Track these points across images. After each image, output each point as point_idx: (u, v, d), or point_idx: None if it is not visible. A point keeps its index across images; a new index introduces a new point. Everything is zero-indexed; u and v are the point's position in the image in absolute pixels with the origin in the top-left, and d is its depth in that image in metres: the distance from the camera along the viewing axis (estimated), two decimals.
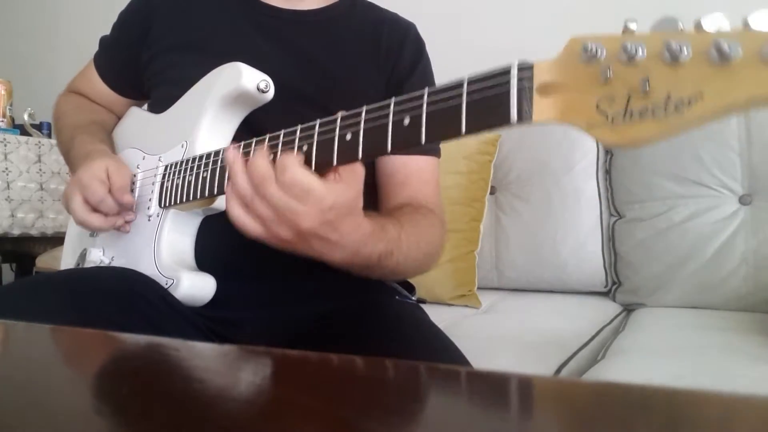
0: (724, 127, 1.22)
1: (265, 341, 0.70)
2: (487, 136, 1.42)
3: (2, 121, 1.77)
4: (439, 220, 0.80)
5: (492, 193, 1.45)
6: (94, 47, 0.97)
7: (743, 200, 1.20)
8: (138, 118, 0.93)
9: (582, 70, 0.40)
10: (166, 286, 0.69)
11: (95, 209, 0.75)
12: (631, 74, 0.38)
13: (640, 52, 0.37)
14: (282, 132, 0.61)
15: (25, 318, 0.40)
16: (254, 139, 0.63)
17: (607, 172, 1.38)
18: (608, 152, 1.38)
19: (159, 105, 0.84)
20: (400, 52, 0.85)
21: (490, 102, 0.45)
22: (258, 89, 0.70)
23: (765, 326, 1.01)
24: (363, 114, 0.54)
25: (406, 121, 0.51)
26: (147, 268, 0.72)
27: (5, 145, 1.64)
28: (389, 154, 0.52)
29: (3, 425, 0.21)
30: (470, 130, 0.46)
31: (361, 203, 0.59)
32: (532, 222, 1.39)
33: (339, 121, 0.56)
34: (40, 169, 1.70)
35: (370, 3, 0.91)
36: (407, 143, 0.51)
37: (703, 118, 0.36)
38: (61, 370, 0.31)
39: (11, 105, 1.83)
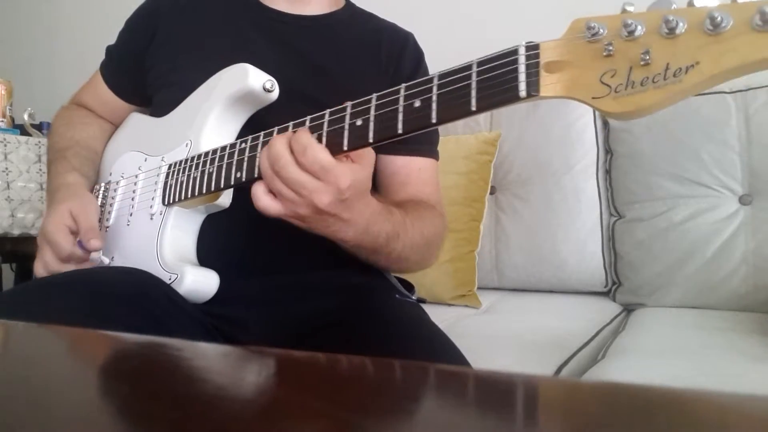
0: (724, 127, 1.22)
1: (268, 338, 0.71)
2: (486, 135, 1.42)
3: (2, 121, 1.77)
4: (441, 216, 0.82)
5: (492, 193, 1.45)
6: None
7: (743, 200, 1.20)
8: (139, 122, 0.94)
9: (585, 47, 0.43)
10: (169, 281, 0.70)
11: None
12: (632, 48, 0.41)
13: (639, 29, 0.40)
14: (291, 123, 0.62)
15: (38, 321, 0.40)
16: (262, 132, 0.64)
17: (607, 172, 1.38)
18: (608, 152, 1.38)
19: (162, 108, 0.85)
20: (400, 59, 0.87)
21: (499, 79, 0.47)
22: (264, 89, 0.72)
23: (765, 326, 1.01)
24: (373, 100, 0.56)
25: (417, 104, 0.52)
26: (149, 265, 0.73)
27: (5, 145, 1.63)
28: (400, 137, 0.54)
29: (3, 425, 0.21)
30: (481, 108, 0.48)
31: (370, 183, 0.63)
32: (532, 222, 1.39)
33: (349, 109, 0.57)
34: (40, 169, 1.70)
35: (368, 12, 0.93)
36: (418, 125, 0.52)
37: (700, 83, 0.38)
38: (61, 370, 0.31)
39: (11, 105, 1.83)
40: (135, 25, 0.92)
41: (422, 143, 0.85)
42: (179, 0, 0.89)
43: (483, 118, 1.50)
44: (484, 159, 1.39)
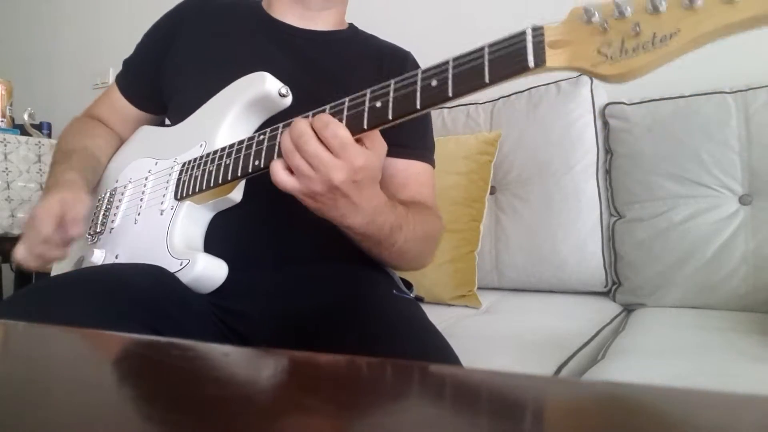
0: (724, 127, 1.22)
1: (271, 331, 0.73)
2: (486, 135, 1.42)
3: (2, 121, 1.77)
4: (438, 217, 0.86)
5: (492, 193, 1.45)
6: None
7: (743, 200, 1.20)
8: (150, 132, 0.97)
9: (584, 27, 0.51)
10: (180, 267, 0.72)
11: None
12: (623, 24, 0.49)
13: (628, 9, 0.48)
14: (311, 113, 0.66)
15: (56, 322, 0.40)
16: (281, 124, 0.68)
17: (607, 172, 1.38)
18: (608, 152, 1.38)
19: (177, 114, 0.88)
20: (401, 75, 0.90)
21: (509, 55, 0.53)
22: (279, 94, 0.76)
23: (765, 326, 1.01)
24: (392, 84, 0.61)
25: (434, 82, 0.57)
26: (157, 255, 0.74)
27: (5, 145, 1.64)
28: (418, 113, 0.58)
29: (3, 425, 0.21)
30: (493, 80, 0.54)
31: (380, 174, 0.67)
32: (532, 222, 1.39)
33: (368, 94, 0.61)
34: (40, 169, 1.70)
35: (370, 34, 1.00)
36: (436, 100, 0.57)
37: (683, 46, 0.46)
38: (61, 370, 0.31)
39: (11, 105, 1.83)
40: (156, 35, 0.97)
41: (421, 148, 0.90)
42: (198, 12, 0.94)
43: (483, 118, 1.50)
44: (484, 159, 1.39)
